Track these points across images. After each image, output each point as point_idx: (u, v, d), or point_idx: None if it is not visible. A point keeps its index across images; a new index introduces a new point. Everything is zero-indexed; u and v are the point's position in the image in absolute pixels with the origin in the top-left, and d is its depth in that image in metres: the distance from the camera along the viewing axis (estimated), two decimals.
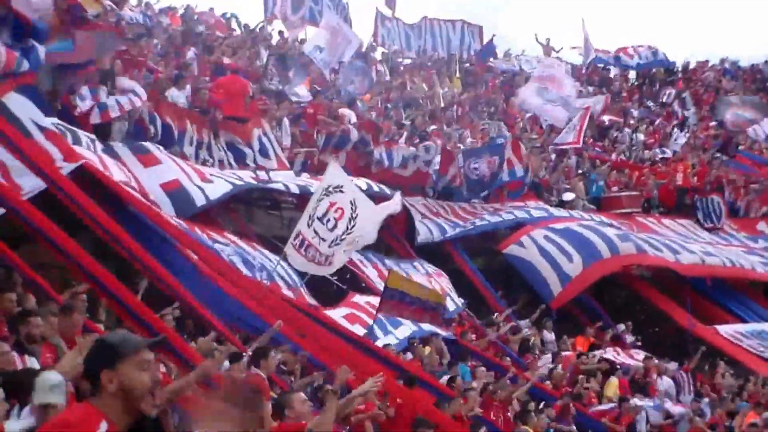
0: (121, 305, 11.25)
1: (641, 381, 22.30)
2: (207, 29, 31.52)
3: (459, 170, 25.77)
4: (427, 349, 17.94)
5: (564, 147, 31.30)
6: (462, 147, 27.43)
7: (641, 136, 37.66)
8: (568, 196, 28.91)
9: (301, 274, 18.26)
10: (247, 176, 19.83)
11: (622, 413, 19.24)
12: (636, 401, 19.85)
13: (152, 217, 15.15)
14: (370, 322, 17.72)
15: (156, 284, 13.64)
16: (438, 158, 25.44)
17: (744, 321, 26.06)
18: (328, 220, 17.48)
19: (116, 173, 16.09)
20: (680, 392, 22.78)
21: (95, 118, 17.89)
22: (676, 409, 21.17)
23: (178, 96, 20.88)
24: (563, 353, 22.04)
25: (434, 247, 23.89)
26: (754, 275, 27.96)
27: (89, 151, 16.08)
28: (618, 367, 22.54)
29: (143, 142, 18.33)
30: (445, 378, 16.65)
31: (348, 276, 20.45)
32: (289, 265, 17.95)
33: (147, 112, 19.20)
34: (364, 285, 20.29)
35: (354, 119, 24.95)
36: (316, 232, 17.34)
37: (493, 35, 45.01)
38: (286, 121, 23.28)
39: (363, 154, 23.73)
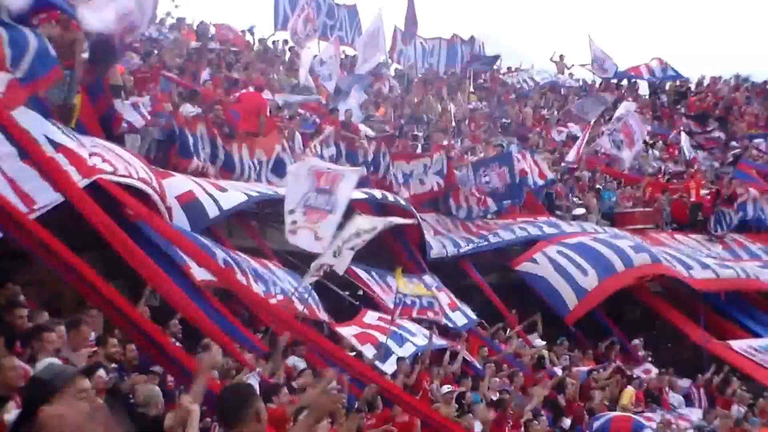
0: (130, 324, 11.16)
1: (654, 391, 22.30)
2: (222, 44, 31.75)
3: (463, 191, 25.89)
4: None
5: (570, 166, 31.51)
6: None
7: (655, 152, 37.66)
8: (579, 212, 28.92)
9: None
10: (263, 187, 19.81)
11: None
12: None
13: (164, 232, 15.12)
14: (383, 338, 17.67)
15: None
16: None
17: (758, 336, 25.92)
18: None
19: (139, 171, 16.06)
20: (692, 409, 22.71)
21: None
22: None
23: (192, 112, 20.93)
24: (574, 368, 21.92)
25: (450, 264, 23.86)
26: None
27: (109, 152, 15.90)
28: (634, 377, 22.56)
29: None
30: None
31: (360, 293, 20.46)
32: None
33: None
34: (374, 302, 20.24)
35: (371, 134, 25.07)
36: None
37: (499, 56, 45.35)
38: (298, 136, 23.35)
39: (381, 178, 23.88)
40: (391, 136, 26.37)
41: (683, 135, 38.09)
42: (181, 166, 18.99)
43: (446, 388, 16.78)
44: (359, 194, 21.38)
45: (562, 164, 31.49)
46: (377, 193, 21.74)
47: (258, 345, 14.23)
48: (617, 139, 32.41)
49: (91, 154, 15.04)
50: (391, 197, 22.05)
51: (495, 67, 44.81)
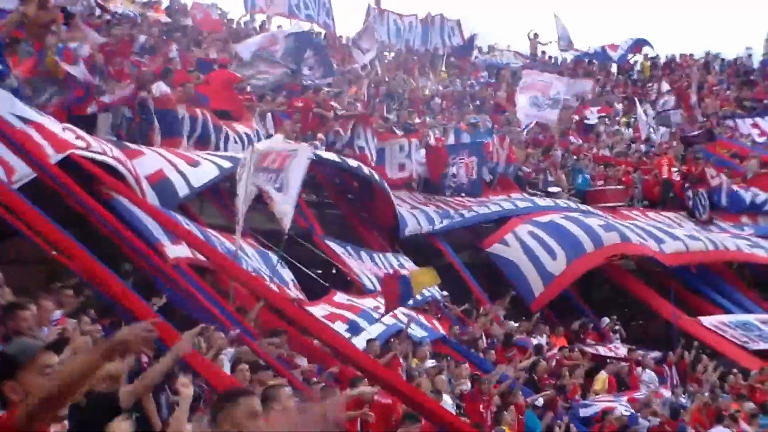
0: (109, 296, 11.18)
1: (624, 375, 22.33)
2: (193, 22, 31.61)
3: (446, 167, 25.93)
4: (414, 362, 17.81)
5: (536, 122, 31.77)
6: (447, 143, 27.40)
7: (625, 131, 37.76)
8: (554, 189, 28.98)
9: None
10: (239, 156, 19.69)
11: (605, 424, 18.98)
12: (621, 410, 19.53)
13: (141, 207, 15.14)
14: (352, 317, 17.63)
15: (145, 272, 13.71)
16: (421, 153, 25.58)
17: (729, 312, 26.06)
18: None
19: (113, 150, 16.02)
20: (664, 385, 22.77)
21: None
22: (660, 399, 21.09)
23: (166, 90, 20.78)
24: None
25: (422, 242, 23.88)
26: (740, 256, 28.07)
27: (79, 139, 15.83)
28: (609, 361, 22.57)
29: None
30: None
31: (333, 271, 20.43)
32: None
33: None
34: (348, 279, 20.22)
35: (340, 111, 25.00)
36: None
37: (475, 34, 45.37)
38: (269, 116, 23.27)
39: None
40: (363, 114, 26.22)
41: (641, 112, 38.18)
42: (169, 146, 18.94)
43: (431, 362, 16.83)
44: (333, 156, 21.39)
45: (525, 128, 31.79)
46: (353, 162, 21.71)
47: (227, 325, 14.21)
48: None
49: (64, 129, 14.98)
50: (366, 169, 22.02)
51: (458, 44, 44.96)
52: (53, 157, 14.11)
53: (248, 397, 5.95)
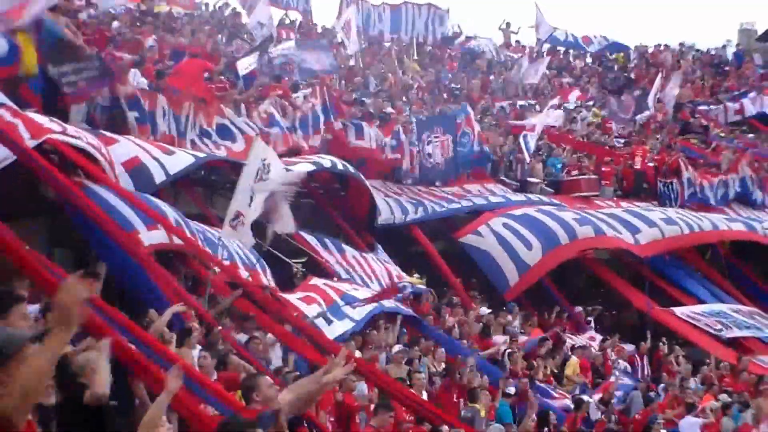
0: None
1: (597, 363, 22.39)
2: (168, 3, 31.48)
3: (413, 155, 25.81)
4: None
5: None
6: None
7: (595, 119, 37.79)
8: (534, 180, 28.94)
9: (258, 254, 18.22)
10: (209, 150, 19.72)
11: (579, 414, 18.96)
12: (586, 397, 19.54)
13: (117, 191, 15.13)
14: (325, 306, 17.59)
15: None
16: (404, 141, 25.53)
17: (702, 303, 26.19)
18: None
19: (88, 136, 15.98)
20: (636, 375, 22.87)
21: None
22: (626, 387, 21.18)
23: (142, 79, 20.67)
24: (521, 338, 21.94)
25: (398, 231, 23.89)
26: (717, 234, 28.35)
27: (54, 122, 15.78)
28: (577, 346, 22.61)
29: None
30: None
31: (306, 260, 20.40)
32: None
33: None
34: (322, 269, 20.19)
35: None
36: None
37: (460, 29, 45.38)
38: (243, 106, 23.18)
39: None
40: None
41: (615, 101, 38.28)
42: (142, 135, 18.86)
43: (398, 347, 16.85)
44: (308, 165, 21.27)
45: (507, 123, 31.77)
46: (326, 162, 21.64)
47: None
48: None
49: (38, 114, 14.95)
50: (340, 165, 21.95)
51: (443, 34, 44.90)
52: (29, 142, 14.06)
53: None
